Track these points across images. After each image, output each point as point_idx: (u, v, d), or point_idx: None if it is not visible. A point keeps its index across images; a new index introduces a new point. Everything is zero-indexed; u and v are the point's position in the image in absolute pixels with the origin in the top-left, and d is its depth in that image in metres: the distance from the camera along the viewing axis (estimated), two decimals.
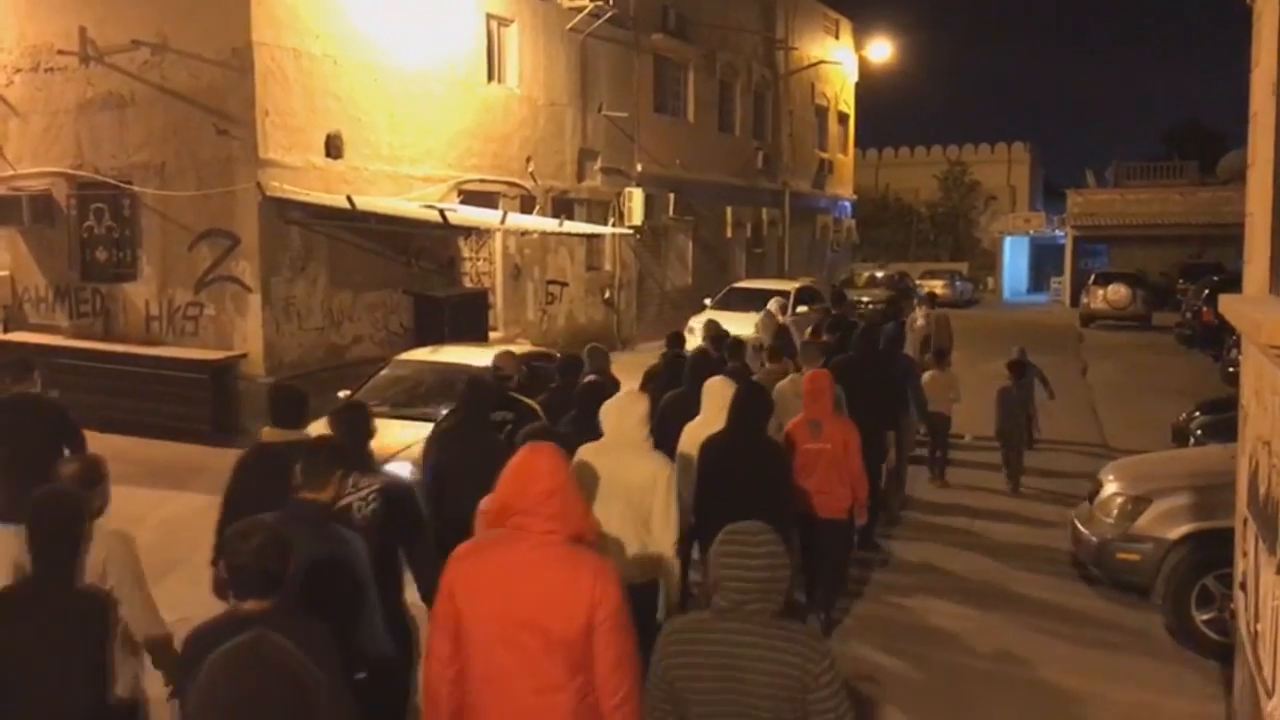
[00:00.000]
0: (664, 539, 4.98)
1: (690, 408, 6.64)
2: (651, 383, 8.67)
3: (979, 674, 6.78)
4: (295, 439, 5.08)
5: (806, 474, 6.73)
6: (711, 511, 5.31)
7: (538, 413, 6.79)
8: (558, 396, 7.49)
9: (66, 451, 6.55)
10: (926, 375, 11.40)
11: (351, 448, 4.72)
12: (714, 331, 10.35)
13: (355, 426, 5.13)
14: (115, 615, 3.85)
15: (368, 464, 5.01)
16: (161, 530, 9.59)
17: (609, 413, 5.20)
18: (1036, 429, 12.69)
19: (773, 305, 17.02)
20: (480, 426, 6.08)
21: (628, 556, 4.85)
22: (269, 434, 5.33)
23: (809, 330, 12.49)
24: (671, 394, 7.52)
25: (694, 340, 12.45)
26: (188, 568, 8.73)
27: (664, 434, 5.90)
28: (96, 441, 13.16)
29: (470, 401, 6.20)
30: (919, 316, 14.70)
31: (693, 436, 6.19)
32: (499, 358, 8.17)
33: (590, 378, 7.37)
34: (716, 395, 6.20)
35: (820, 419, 6.82)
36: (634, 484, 4.94)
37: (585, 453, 5.02)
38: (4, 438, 6.80)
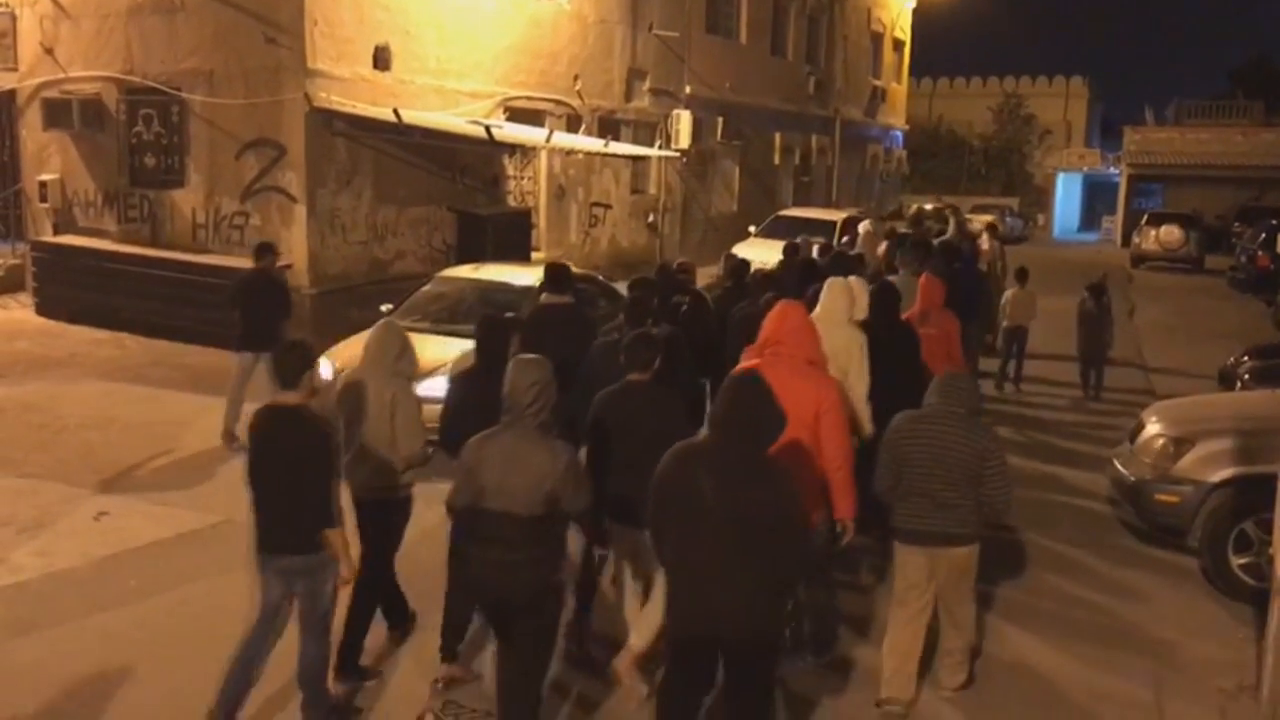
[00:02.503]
0: (859, 387, 6.42)
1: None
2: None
3: (1006, 603, 6.78)
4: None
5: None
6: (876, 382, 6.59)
7: (706, 301, 8.86)
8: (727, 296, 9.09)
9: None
10: (1009, 293, 13.16)
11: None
12: (733, 263, 10.08)
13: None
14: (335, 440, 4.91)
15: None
16: (206, 436, 9.76)
17: (826, 294, 6.71)
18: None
19: (868, 224, 18.53)
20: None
21: None
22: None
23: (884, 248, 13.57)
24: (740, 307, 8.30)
25: None
26: (233, 473, 8.90)
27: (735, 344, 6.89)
28: (142, 346, 13.46)
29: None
30: (985, 241, 15.91)
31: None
32: (681, 263, 9.92)
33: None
34: (839, 293, 6.83)
35: (929, 310, 8.16)
36: (836, 348, 6.24)
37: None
38: (242, 303, 9.80)
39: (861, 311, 6.90)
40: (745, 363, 5.51)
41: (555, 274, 8.14)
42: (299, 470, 4.69)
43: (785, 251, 11.57)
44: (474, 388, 5.59)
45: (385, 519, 5.56)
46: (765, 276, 9.25)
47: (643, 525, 4.52)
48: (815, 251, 12.73)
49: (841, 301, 6.66)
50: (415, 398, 5.57)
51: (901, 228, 18.85)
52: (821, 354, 5.64)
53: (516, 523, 4.37)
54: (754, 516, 4.02)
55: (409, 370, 5.67)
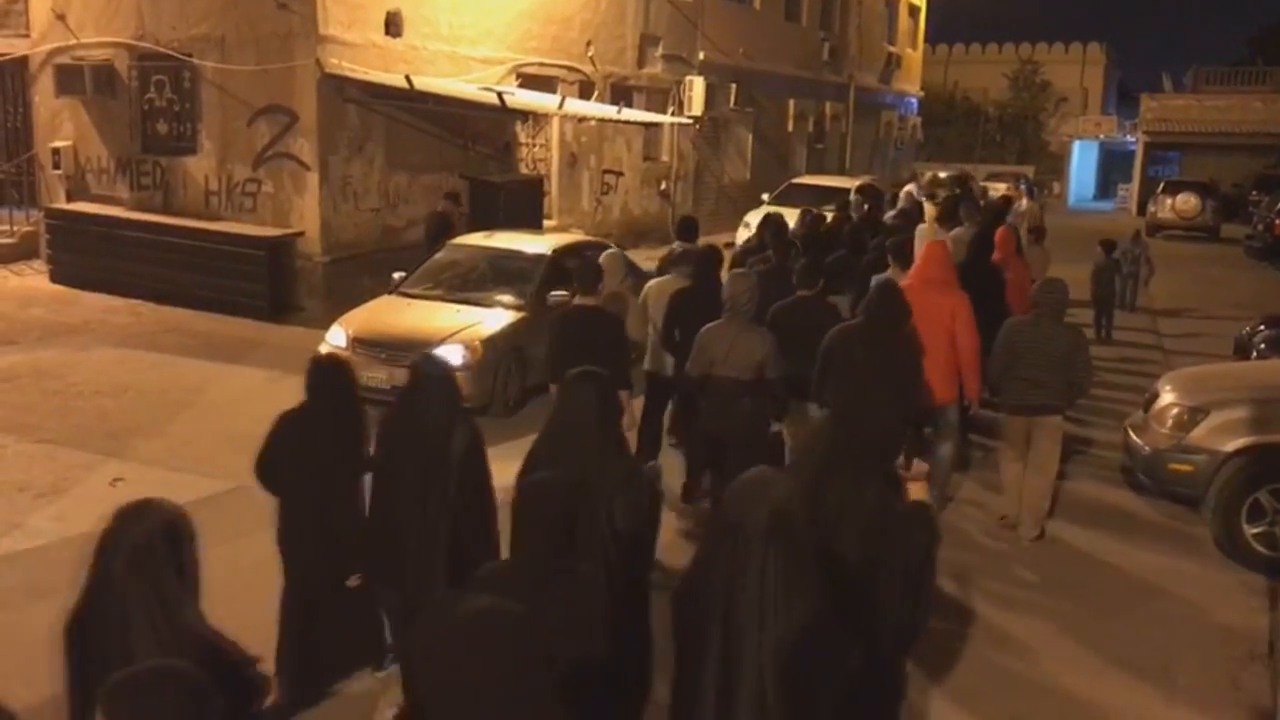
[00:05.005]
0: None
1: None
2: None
3: (1013, 572, 6.79)
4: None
5: None
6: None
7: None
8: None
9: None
10: (1026, 249, 13.48)
11: None
12: (778, 223, 10.45)
13: None
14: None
15: None
16: (220, 403, 9.81)
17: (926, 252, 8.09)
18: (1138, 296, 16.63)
19: (912, 187, 20.23)
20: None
21: None
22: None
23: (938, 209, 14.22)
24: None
25: (745, 234, 12.66)
26: (248, 440, 8.94)
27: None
28: (155, 312, 13.49)
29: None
30: (1023, 203, 17.85)
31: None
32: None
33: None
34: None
35: (1006, 258, 9.81)
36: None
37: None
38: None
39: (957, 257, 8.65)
40: (902, 283, 7.20)
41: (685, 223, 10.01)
42: (598, 349, 6.16)
43: (764, 224, 11.42)
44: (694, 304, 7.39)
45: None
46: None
47: (807, 398, 6.56)
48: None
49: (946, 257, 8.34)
50: (636, 305, 8.08)
51: (943, 191, 19.94)
52: (953, 276, 7.60)
53: (736, 384, 6.36)
54: (889, 369, 5.82)
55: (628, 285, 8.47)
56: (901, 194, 18.60)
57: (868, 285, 7.85)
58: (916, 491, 4.09)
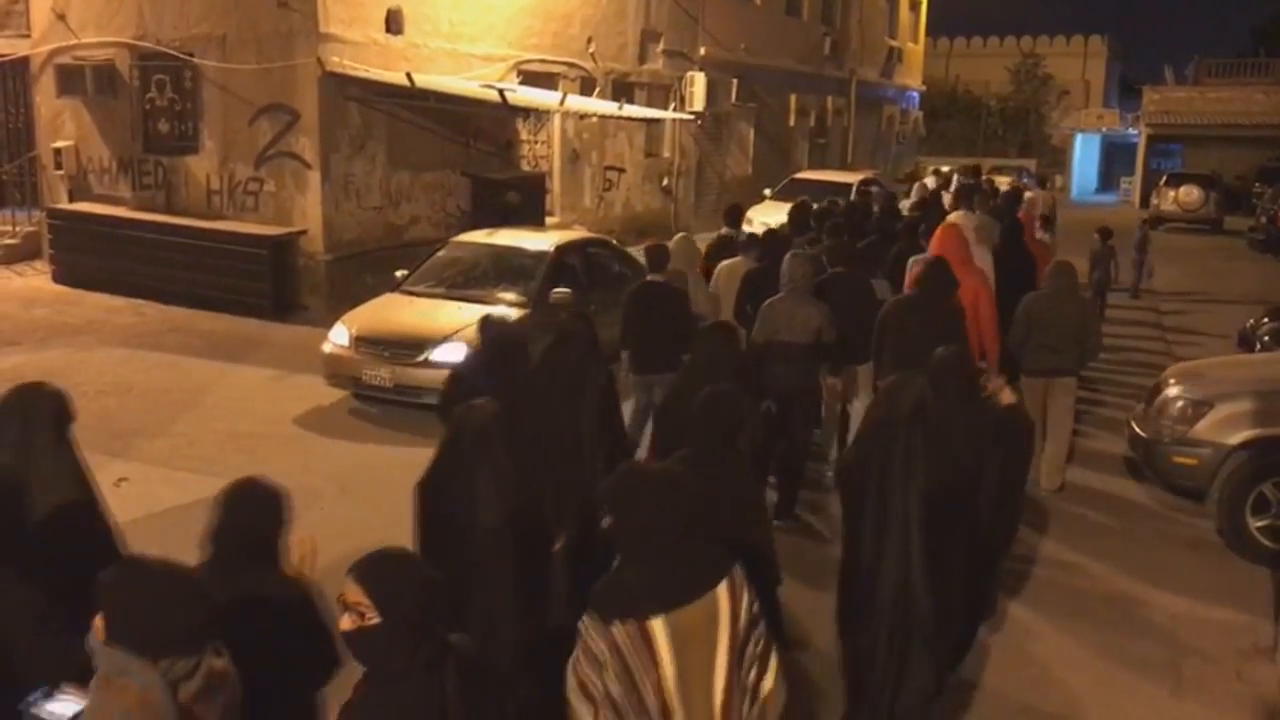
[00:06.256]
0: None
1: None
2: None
3: (1020, 566, 6.79)
4: None
5: None
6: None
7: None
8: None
9: None
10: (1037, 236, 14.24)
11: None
12: (804, 211, 11.53)
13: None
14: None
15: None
16: (224, 402, 9.82)
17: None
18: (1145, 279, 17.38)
19: (929, 180, 21.05)
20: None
21: None
22: None
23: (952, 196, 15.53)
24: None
25: (748, 230, 13.03)
26: (250, 439, 8.96)
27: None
28: (158, 312, 13.50)
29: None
30: (1030, 194, 18.36)
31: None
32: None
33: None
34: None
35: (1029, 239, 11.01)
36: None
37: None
38: None
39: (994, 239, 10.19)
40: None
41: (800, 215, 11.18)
42: (665, 316, 7.77)
43: (796, 209, 11.98)
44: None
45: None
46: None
47: (856, 361, 7.83)
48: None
49: (985, 234, 10.06)
50: (702, 284, 8.95)
51: (962, 180, 20.50)
52: (969, 255, 8.48)
53: (797, 347, 7.24)
54: (937, 335, 6.20)
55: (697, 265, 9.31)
56: (916, 186, 19.99)
57: (900, 267, 9.17)
58: (1007, 397, 5.58)
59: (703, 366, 5.59)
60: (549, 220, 16.86)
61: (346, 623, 2.56)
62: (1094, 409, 10.42)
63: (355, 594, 2.54)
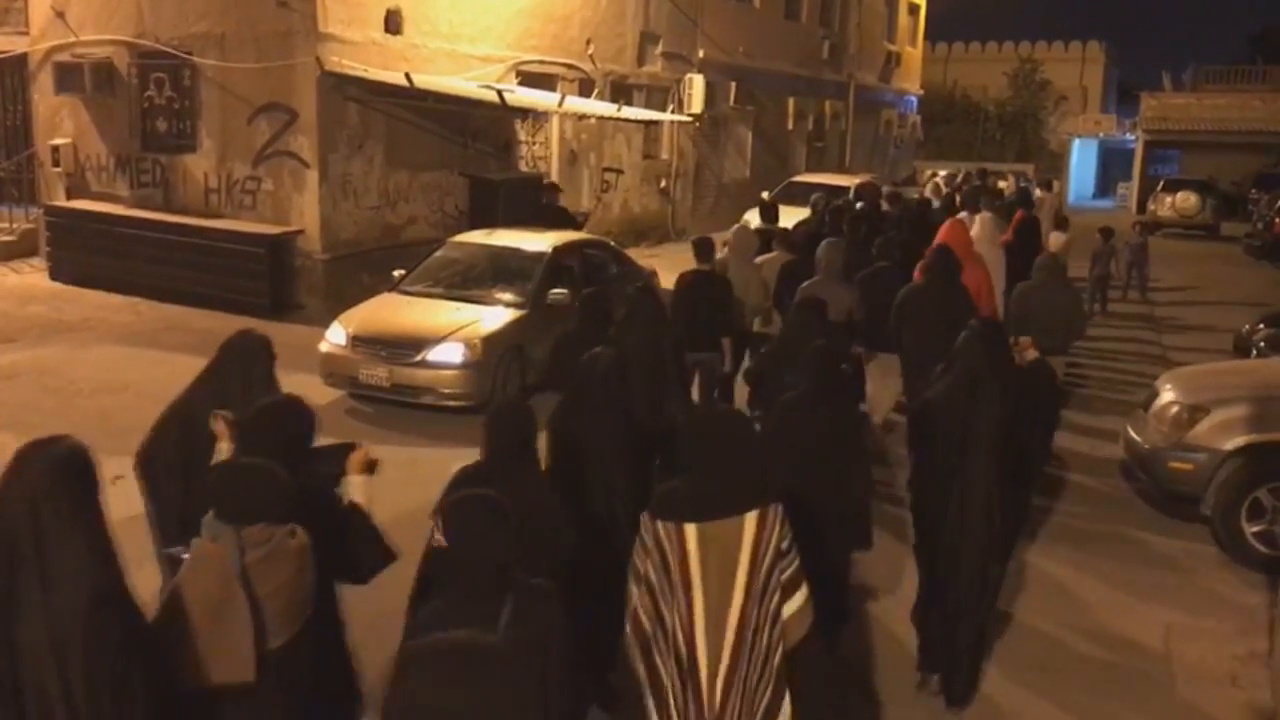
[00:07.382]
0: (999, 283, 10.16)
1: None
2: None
3: (1016, 569, 6.79)
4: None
5: None
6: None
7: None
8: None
9: None
10: (1052, 234, 14.70)
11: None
12: (824, 204, 13.07)
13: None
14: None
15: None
16: None
17: (980, 224, 11.19)
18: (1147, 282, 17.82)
19: (940, 179, 23.23)
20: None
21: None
22: None
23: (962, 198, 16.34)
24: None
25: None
26: None
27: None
28: (155, 310, 13.48)
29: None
30: (1039, 193, 19.66)
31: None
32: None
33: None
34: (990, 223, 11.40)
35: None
36: (991, 261, 10.13)
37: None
38: None
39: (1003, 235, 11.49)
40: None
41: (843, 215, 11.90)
42: (711, 304, 8.35)
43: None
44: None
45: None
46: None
47: (879, 348, 8.47)
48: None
49: (990, 228, 11.14)
50: (759, 273, 9.39)
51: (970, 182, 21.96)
52: (973, 250, 9.63)
53: (831, 325, 7.30)
54: (950, 315, 6.64)
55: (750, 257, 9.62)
56: (929, 187, 21.89)
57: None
58: (1031, 354, 6.30)
59: (795, 336, 6.69)
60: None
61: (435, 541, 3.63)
62: (1089, 414, 10.43)
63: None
